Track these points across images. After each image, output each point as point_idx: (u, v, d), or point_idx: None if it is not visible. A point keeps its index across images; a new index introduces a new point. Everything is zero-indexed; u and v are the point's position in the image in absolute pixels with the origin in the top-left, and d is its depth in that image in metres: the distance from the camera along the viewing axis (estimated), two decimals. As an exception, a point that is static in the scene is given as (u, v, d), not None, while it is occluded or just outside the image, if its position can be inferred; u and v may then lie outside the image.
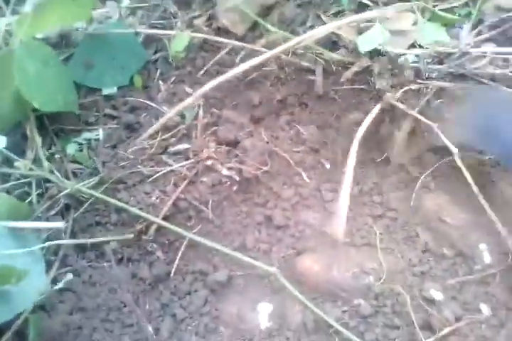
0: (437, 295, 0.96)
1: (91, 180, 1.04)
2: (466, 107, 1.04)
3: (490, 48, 1.10)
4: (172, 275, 1.01)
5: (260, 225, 1.08)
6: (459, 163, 1.00)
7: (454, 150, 1.01)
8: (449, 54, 1.10)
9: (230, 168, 1.05)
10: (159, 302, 1.01)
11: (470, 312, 0.96)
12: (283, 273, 0.97)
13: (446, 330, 0.91)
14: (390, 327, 0.95)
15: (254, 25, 1.28)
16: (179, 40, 1.18)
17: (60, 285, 0.95)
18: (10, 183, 1.05)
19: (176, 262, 1.01)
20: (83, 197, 1.04)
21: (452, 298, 0.97)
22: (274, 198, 1.09)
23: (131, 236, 0.99)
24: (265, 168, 1.07)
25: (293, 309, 0.97)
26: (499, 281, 0.98)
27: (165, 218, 1.02)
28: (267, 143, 1.09)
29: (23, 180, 1.05)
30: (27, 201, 1.03)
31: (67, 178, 1.06)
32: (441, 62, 1.11)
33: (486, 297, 0.98)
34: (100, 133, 1.13)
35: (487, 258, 1.00)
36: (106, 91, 1.18)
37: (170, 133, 1.09)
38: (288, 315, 0.98)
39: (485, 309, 0.96)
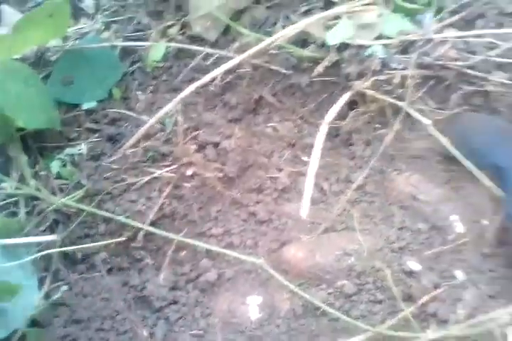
0: (415, 266, 1.00)
1: (76, 193, 1.06)
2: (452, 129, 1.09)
3: (451, 33, 1.12)
4: (162, 279, 1.03)
5: (245, 222, 1.10)
6: (433, 131, 1.05)
7: (427, 122, 1.05)
8: (414, 42, 1.12)
9: (212, 170, 1.07)
10: (152, 308, 1.02)
11: (446, 279, 0.99)
12: (269, 264, 0.99)
13: (425, 298, 0.95)
14: (373, 302, 0.99)
15: (227, 30, 1.30)
16: (156, 50, 1.21)
17: (56, 295, 0.97)
18: (-3, 204, 1.07)
19: (165, 266, 1.03)
20: (71, 211, 1.06)
21: (429, 269, 1.01)
22: (256, 194, 1.11)
23: (123, 239, 1.01)
24: (245, 166, 1.09)
25: (281, 297, 1.00)
26: (471, 248, 1.02)
27: (152, 224, 1.04)
28: (246, 142, 1.11)
29: (9, 200, 1.07)
30: (16, 219, 1.05)
31: (54, 194, 1.08)
32: (406, 51, 1.12)
33: (460, 264, 1.01)
34: (83, 147, 1.15)
35: (459, 228, 1.04)
36: (86, 106, 1.21)
37: (152, 141, 1.11)
38: (277, 304, 1.01)
39: (460, 275, 1.00)
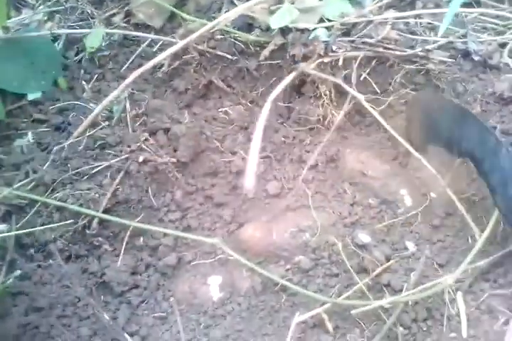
0: (365, 238, 1.04)
1: (26, 183, 1.05)
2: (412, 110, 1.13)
3: (391, 14, 1.15)
4: (122, 265, 1.03)
5: (202, 205, 1.11)
6: (367, 106, 1.09)
7: (360, 96, 1.09)
8: (356, 25, 1.15)
9: (164, 155, 1.07)
10: (113, 293, 1.03)
11: (398, 251, 1.04)
12: (228, 245, 1.01)
13: (378, 270, 0.99)
14: (329, 276, 1.02)
15: (172, 17, 1.30)
16: (93, 36, 1.20)
17: (8, 281, 0.96)
18: None
19: (122, 251, 1.04)
20: (23, 202, 1.05)
21: (382, 241, 1.05)
22: (210, 178, 1.12)
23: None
24: (198, 151, 1.10)
25: (241, 276, 1.03)
26: (421, 220, 1.07)
27: (106, 211, 1.04)
28: (197, 126, 1.12)
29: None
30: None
31: (6, 185, 1.06)
32: (349, 34, 1.15)
33: (410, 235, 1.07)
34: (29, 137, 1.13)
35: (408, 202, 1.09)
36: (31, 97, 1.19)
37: (100, 129, 1.11)
38: (237, 282, 1.04)
39: (410, 245, 1.06)
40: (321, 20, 1.17)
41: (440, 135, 1.05)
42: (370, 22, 1.14)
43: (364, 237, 1.03)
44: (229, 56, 1.19)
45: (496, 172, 0.92)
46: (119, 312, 1.01)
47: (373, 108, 1.11)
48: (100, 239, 1.04)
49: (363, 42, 1.14)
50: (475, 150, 0.96)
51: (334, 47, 1.15)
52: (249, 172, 1.03)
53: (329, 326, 0.96)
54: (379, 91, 1.17)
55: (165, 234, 1.06)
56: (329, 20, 1.16)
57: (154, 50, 1.23)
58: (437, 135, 1.05)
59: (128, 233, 1.03)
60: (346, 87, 1.13)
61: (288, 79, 1.14)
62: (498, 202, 0.94)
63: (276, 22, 1.12)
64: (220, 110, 1.19)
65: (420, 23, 1.25)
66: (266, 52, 1.18)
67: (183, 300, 1.04)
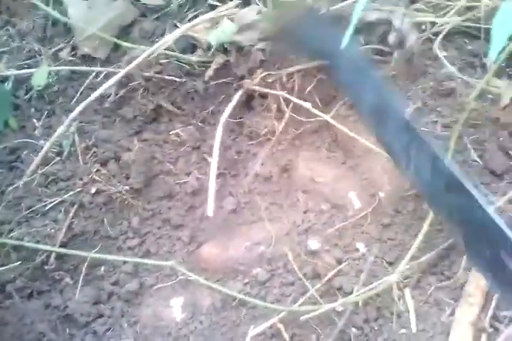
0: (315, 245, 1.06)
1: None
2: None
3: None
4: (83, 296, 1.05)
5: (159, 229, 1.13)
6: (316, 112, 1.10)
7: (306, 104, 1.11)
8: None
9: (117, 184, 1.09)
10: (78, 324, 1.04)
11: (349, 253, 1.06)
12: (188, 266, 1.03)
13: (329, 274, 1.01)
14: (285, 285, 1.04)
15: (117, 46, 1.32)
16: (38, 75, 1.21)
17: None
18: None
19: (82, 283, 1.05)
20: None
21: (334, 245, 1.07)
22: (166, 201, 1.14)
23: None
24: (151, 175, 1.12)
25: (202, 295, 1.05)
26: (371, 220, 1.08)
27: (64, 245, 1.06)
28: (148, 152, 1.14)
29: None
30: None
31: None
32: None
33: (362, 236, 1.08)
34: (-18, 180, 1.15)
35: (357, 204, 1.10)
36: (-19, 139, 1.21)
37: (51, 165, 1.13)
38: (198, 301, 1.06)
39: (361, 247, 1.07)
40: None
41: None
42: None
43: (314, 244, 1.05)
44: (176, 79, 1.21)
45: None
46: (84, 343, 1.02)
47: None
48: (61, 272, 1.06)
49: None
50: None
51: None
52: (210, 197, 1.06)
53: (285, 335, 0.97)
54: (326, 100, 1.18)
55: (124, 262, 1.08)
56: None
57: (99, 80, 1.25)
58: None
59: (86, 264, 1.05)
60: (290, 97, 1.15)
61: (235, 99, 1.16)
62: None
63: (215, 38, 1.14)
64: (170, 133, 1.20)
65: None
66: (210, 72, 1.19)
67: (148, 324, 1.05)
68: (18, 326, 1.02)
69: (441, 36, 1.13)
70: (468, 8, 1.15)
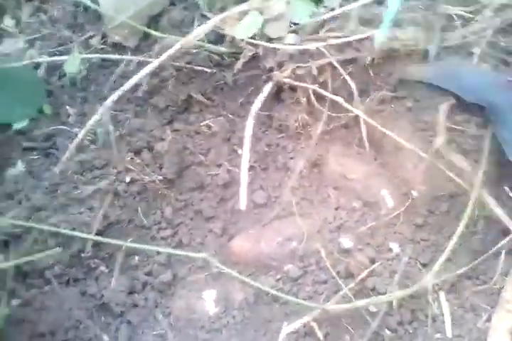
0: (348, 243, 1.05)
1: (20, 211, 1.08)
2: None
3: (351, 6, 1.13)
4: (119, 285, 1.06)
5: (192, 220, 1.14)
6: (348, 106, 1.10)
7: (338, 98, 1.10)
8: (324, 24, 1.16)
9: (150, 174, 1.10)
10: (113, 314, 1.06)
11: (382, 253, 1.06)
12: (220, 259, 1.03)
13: (363, 274, 1.01)
14: (318, 283, 1.04)
15: (147, 35, 1.32)
16: (70, 62, 1.22)
17: (6, 311, 0.99)
18: None
19: (119, 272, 1.07)
20: (18, 230, 1.08)
21: (366, 244, 1.07)
22: (198, 192, 1.15)
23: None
24: (183, 166, 1.13)
25: (234, 289, 1.06)
26: (403, 220, 1.08)
27: (100, 233, 1.08)
28: (180, 142, 1.15)
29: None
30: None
31: (1, 215, 1.10)
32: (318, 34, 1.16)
33: (394, 236, 1.08)
34: (20, 166, 1.16)
35: (390, 202, 1.09)
36: (17, 126, 1.22)
37: (87, 152, 1.14)
38: (231, 295, 1.06)
39: (395, 247, 1.07)
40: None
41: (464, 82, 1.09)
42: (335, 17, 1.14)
43: (347, 242, 1.05)
44: (206, 69, 1.21)
45: None
46: (119, 332, 1.04)
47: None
48: (96, 260, 1.08)
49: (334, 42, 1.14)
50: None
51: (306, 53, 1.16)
52: (242, 190, 1.08)
53: (319, 334, 0.97)
54: (357, 93, 1.18)
55: (158, 252, 1.09)
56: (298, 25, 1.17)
57: (131, 69, 1.25)
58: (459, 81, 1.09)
59: (121, 253, 1.06)
60: (322, 91, 1.15)
61: (265, 92, 1.16)
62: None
63: (241, 33, 1.14)
64: (202, 124, 1.21)
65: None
66: (239, 65, 1.20)
67: (181, 316, 1.06)
68: (57, 312, 1.03)
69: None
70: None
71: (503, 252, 1.00)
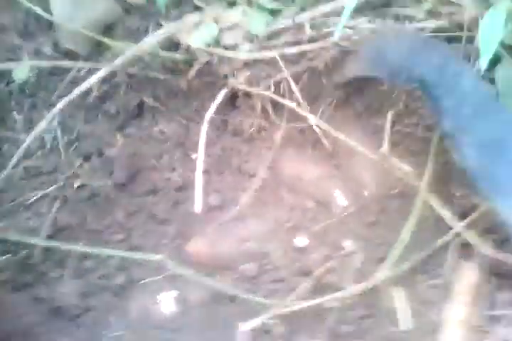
0: (302, 241, 1.07)
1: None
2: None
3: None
4: (72, 289, 1.05)
5: (145, 224, 1.13)
6: (301, 111, 1.10)
7: (291, 104, 1.11)
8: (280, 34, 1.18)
9: (99, 179, 1.09)
10: (67, 317, 1.04)
11: (338, 251, 1.07)
12: (176, 260, 1.03)
13: (319, 271, 1.02)
14: (275, 281, 1.05)
15: (100, 42, 1.31)
16: (19, 70, 1.20)
17: None
18: None
19: (67, 276, 1.05)
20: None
21: (321, 243, 1.08)
22: (151, 196, 1.15)
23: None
24: (134, 171, 1.12)
25: (191, 290, 1.05)
26: (356, 218, 1.10)
27: (50, 238, 1.07)
28: (131, 147, 1.14)
29: None
30: None
31: None
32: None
33: (348, 234, 1.09)
34: (-37, 173, 1.13)
35: (343, 202, 1.12)
36: (-40, 133, 1.19)
37: (34, 159, 1.12)
38: (188, 296, 1.06)
39: (349, 244, 1.08)
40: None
41: (388, 62, 0.99)
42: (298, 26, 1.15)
43: (302, 241, 1.07)
44: (159, 76, 1.21)
45: (452, 95, 0.89)
46: (75, 335, 1.01)
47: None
48: (46, 265, 1.06)
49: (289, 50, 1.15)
50: (431, 75, 0.92)
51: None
52: (197, 193, 1.07)
53: (277, 331, 0.97)
54: (310, 99, 1.19)
55: (111, 256, 1.07)
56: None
57: (82, 75, 1.24)
58: (384, 63, 1.00)
59: (74, 258, 1.04)
60: (276, 96, 1.16)
61: (220, 98, 1.17)
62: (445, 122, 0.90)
63: (196, 41, 1.15)
64: (154, 129, 1.21)
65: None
66: (192, 72, 1.20)
67: (138, 318, 1.05)
68: (7, 318, 1.00)
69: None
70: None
71: (451, 247, 1.01)
